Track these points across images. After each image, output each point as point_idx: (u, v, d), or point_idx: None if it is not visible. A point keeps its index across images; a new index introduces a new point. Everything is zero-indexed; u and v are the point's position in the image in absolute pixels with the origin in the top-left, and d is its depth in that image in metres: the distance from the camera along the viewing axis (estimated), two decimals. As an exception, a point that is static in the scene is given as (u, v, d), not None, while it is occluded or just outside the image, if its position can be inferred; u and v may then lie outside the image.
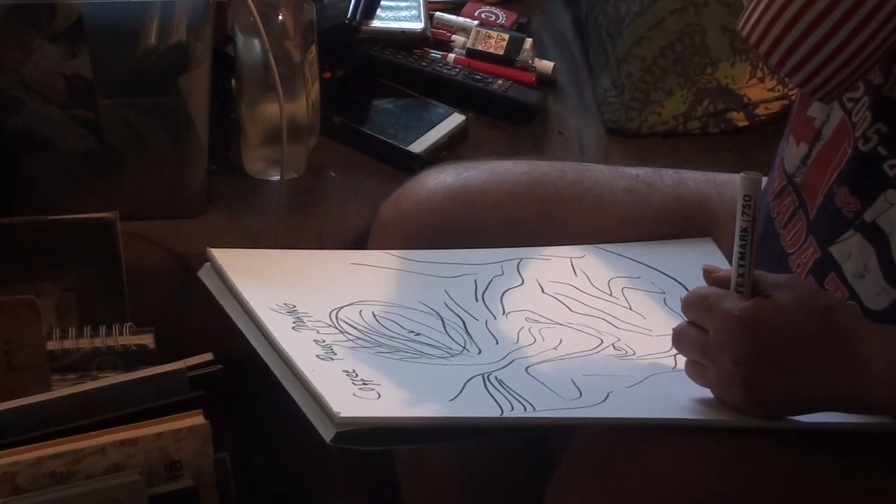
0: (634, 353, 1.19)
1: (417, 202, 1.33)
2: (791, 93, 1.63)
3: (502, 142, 1.62)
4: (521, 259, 1.30)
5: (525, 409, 1.07)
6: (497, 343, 1.19)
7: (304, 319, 1.16)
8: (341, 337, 1.15)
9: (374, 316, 1.20)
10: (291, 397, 1.07)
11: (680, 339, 1.09)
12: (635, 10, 1.64)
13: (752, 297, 1.06)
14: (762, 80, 1.64)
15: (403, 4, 1.70)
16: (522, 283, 1.27)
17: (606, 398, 1.10)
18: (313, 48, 1.53)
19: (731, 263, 1.08)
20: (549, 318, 1.23)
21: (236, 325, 1.16)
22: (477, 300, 1.24)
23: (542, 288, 1.27)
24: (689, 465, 1.04)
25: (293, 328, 1.15)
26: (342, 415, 1.02)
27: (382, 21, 1.67)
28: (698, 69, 1.62)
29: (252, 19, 1.43)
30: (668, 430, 1.07)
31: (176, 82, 1.42)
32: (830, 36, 1.01)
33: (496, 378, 1.11)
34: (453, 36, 1.71)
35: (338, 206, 1.52)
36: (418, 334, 1.18)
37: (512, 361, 1.15)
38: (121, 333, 1.34)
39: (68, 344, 1.33)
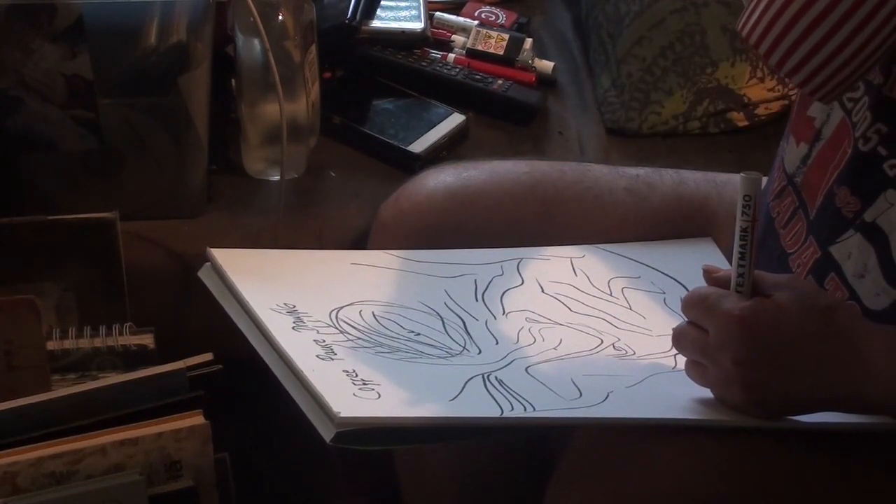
0: (634, 353, 1.19)
1: (417, 202, 1.33)
2: (791, 93, 1.63)
3: (502, 142, 1.62)
4: (521, 259, 1.30)
5: (525, 409, 1.07)
6: (497, 343, 1.19)
7: (304, 319, 1.16)
8: (341, 337, 1.15)
9: (374, 316, 1.20)
10: (291, 397, 1.07)
11: (680, 339, 1.09)
12: (635, 10, 1.64)
13: (752, 297, 1.06)
14: (762, 80, 1.64)
15: (403, 4, 1.70)
16: (522, 283, 1.27)
17: (606, 398, 1.10)
18: (313, 48, 1.53)
19: (731, 263, 1.08)
20: (549, 318, 1.23)
21: (236, 325, 1.16)
22: (477, 300, 1.24)
23: (542, 288, 1.27)
24: (689, 465, 1.04)
25: (293, 328, 1.15)
26: (342, 415, 1.02)
27: (382, 21, 1.67)
28: (698, 69, 1.62)
29: (252, 19, 1.43)
30: (668, 430, 1.07)
31: (176, 82, 1.42)
32: (830, 36, 1.01)
33: (496, 378, 1.11)
34: (453, 36, 1.71)
35: (338, 206, 1.52)
36: (418, 334, 1.18)
37: (512, 361, 1.15)
38: (121, 333, 1.34)
39: (68, 344, 1.33)
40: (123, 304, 1.40)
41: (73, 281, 1.40)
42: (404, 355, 1.15)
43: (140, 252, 1.45)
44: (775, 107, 1.65)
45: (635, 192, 1.34)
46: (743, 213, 1.06)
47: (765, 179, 1.21)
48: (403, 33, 1.67)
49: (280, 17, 1.46)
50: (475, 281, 1.27)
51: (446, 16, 1.74)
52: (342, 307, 1.20)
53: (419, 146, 1.57)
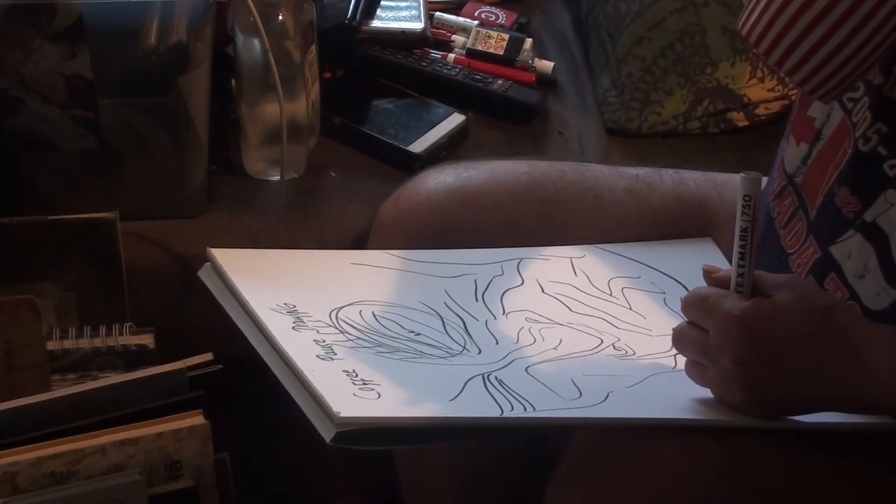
0: (634, 353, 1.19)
1: (417, 202, 1.33)
2: (791, 93, 1.63)
3: (502, 142, 1.62)
4: (521, 259, 1.30)
5: (525, 409, 1.07)
6: (497, 343, 1.19)
7: (304, 319, 1.16)
8: (341, 337, 1.15)
9: (374, 316, 1.20)
10: (291, 397, 1.07)
11: (680, 339, 1.09)
12: (635, 10, 1.64)
13: (752, 297, 1.06)
14: (762, 80, 1.64)
15: (403, 4, 1.70)
16: (522, 283, 1.27)
17: (606, 398, 1.10)
18: (313, 48, 1.53)
19: (731, 263, 1.08)
20: (549, 318, 1.23)
21: (236, 325, 1.16)
22: (477, 300, 1.24)
23: (542, 288, 1.27)
24: (689, 465, 1.04)
25: (293, 328, 1.15)
26: (342, 415, 1.02)
27: (382, 21, 1.67)
28: (698, 69, 1.62)
29: (252, 19, 1.43)
30: (668, 430, 1.07)
31: (176, 82, 1.42)
32: (830, 34, 1.01)
33: (496, 378, 1.11)
34: (453, 36, 1.71)
35: (338, 206, 1.52)
36: (418, 334, 1.18)
37: (512, 361, 1.15)
38: (121, 333, 1.34)
39: (68, 344, 1.33)
40: (123, 304, 1.40)
41: (73, 281, 1.40)
42: (404, 355, 1.15)
43: (140, 252, 1.45)
44: (775, 107, 1.65)
45: (635, 192, 1.34)
46: (743, 213, 1.06)
47: (765, 179, 1.21)
48: (403, 33, 1.67)
49: (280, 17, 1.46)
50: (475, 281, 1.27)
51: (446, 16, 1.74)
52: (342, 307, 1.20)
53: (419, 146, 1.57)
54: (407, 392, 1.08)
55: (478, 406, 1.08)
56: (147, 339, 1.34)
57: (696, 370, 1.09)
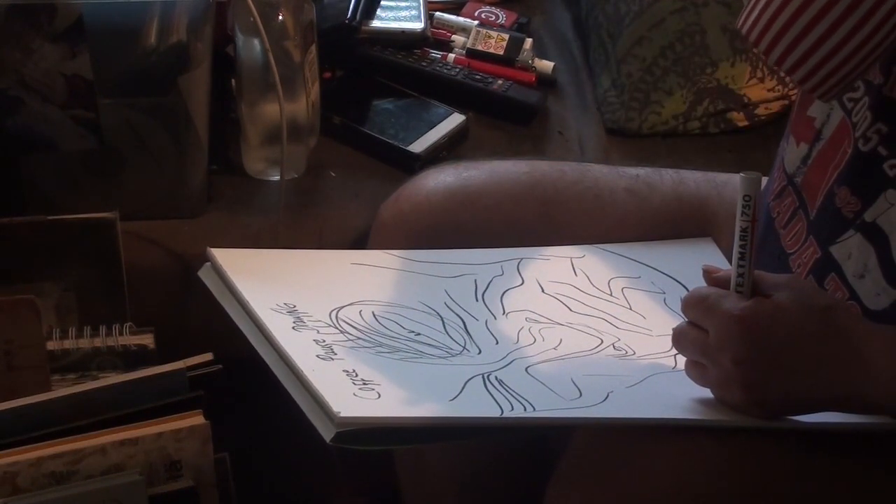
0: (634, 353, 1.19)
1: (417, 202, 1.33)
2: (791, 93, 1.63)
3: (502, 142, 1.62)
4: (521, 259, 1.30)
5: (525, 409, 1.07)
6: (497, 343, 1.19)
7: (305, 319, 1.16)
8: (341, 337, 1.15)
9: (374, 316, 1.20)
10: (291, 397, 1.07)
11: (680, 339, 1.10)
12: (635, 10, 1.64)
13: (751, 297, 1.06)
14: (762, 80, 1.64)
15: (403, 4, 1.70)
16: (522, 283, 1.27)
17: (606, 398, 1.10)
18: (313, 48, 1.53)
19: (731, 263, 1.08)
20: (549, 318, 1.23)
21: (236, 325, 1.16)
22: (477, 300, 1.24)
23: (542, 288, 1.27)
24: (689, 464, 1.04)
25: (293, 328, 1.15)
26: (342, 415, 1.02)
27: (382, 21, 1.67)
28: (698, 69, 1.62)
29: (252, 19, 1.43)
30: (668, 430, 1.07)
31: (176, 82, 1.42)
32: (830, 33, 1.01)
33: (496, 378, 1.11)
34: (453, 36, 1.71)
35: (338, 206, 1.52)
36: (418, 334, 1.18)
37: (512, 361, 1.15)
38: (121, 333, 1.34)
39: (68, 344, 1.33)
40: (123, 304, 1.40)
41: (73, 281, 1.40)
42: (404, 355, 1.15)
43: (140, 252, 1.45)
44: (775, 107, 1.65)
45: (635, 192, 1.34)
46: (743, 213, 1.06)
47: (765, 179, 1.21)
48: (403, 33, 1.67)
49: (280, 17, 1.46)
50: (475, 281, 1.27)
51: (446, 16, 1.74)
52: (342, 307, 1.20)
53: (419, 146, 1.57)
54: (407, 392, 1.08)
55: (478, 406, 1.08)
56: (147, 339, 1.34)
57: (696, 370, 1.09)
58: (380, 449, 1.25)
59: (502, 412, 1.06)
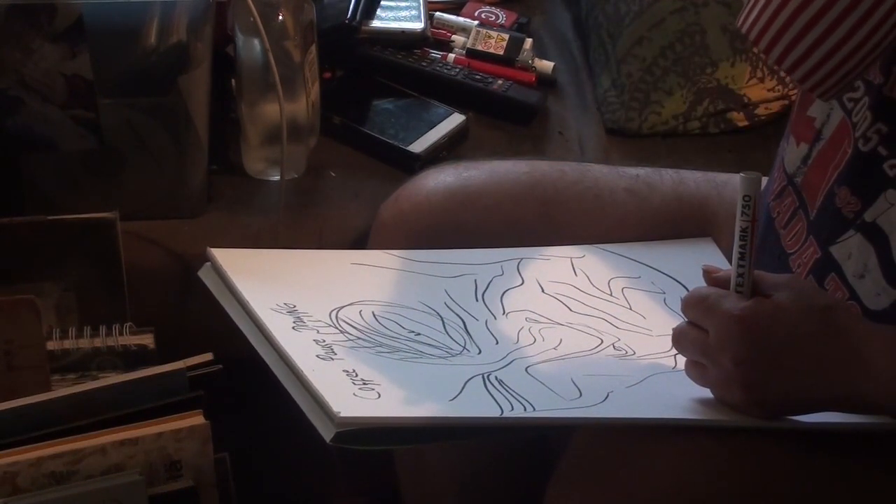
0: (634, 353, 1.19)
1: (417, 202, 1.33)
2: (791, 93, 1.63)
3: (502, 142, 1.62)
4: (521, 259, 1.30)
5: (525, 409, 1.07)
6: (497, 343, 1.19)
7: (304, 319, 1.16)
8: (341, 337, 1.15)
9: (374, 316, 1.20)
10: (291, 397, 1.07)
11: (680, 339, 1.09)
12: (635, 10, 1.64)
13: (751, 297, 1.06)
14: (762, 80, 1.64)
15: (403, 4, 1.70)
16: (522, 283, 1.27)
17: (606, 398, 1.10)
18: (313, 48, 1.53)
19: (731, 263, 1.08)
20: (550, 318, 1.23)
21: (236, 325, 1.16)
22: (477, 300, 1.24)
23: (542, 288, 1.27)
24: (689, 464, 1.04)
25: (293, 328, 1.15)
26: (342, 415, 1.02)
27: (382, 21, 1.67)
28: (698, 69, 1.62)
29: (252, 19, 1.43)
30: (668, 430, 1.07)
31: (176, 82, 1.42)
32: (830, 32, 1.01)
33: (496, 378, 1.11)
34: (453, 36, 1.71)
35: (338, 206, 1.52)
36: (418, 334, 1.18)
37: (512, 361, 1.15)
38: (121, 333, 1.34)
39: (68, 344, 1.33)
40: (123, 304, 1.40)
41: (73, 281, 1.40)
42: (404, 355, 1.15)
43: (140, 252, 1.45)
44: (775, 107, 1.65)
45: (635, 192, 1.34)
46: (743, 213, 1.06)
47: (765, 179, 1.21)
48: (403, 33, 1.67)
49: (280, 17, 1.46)
50: (475, 281, 1.27)
51: (446, 16, 1.74)
52: (342, 307, 1.20)
53: (419, 146, 1.57)
54: (407, 392, 1.08)
55: (478, 406, 1.08)
56: (147, 339, 1.34)
57: (696, 370, 1.09)
58: (380, 449, 1.25)
59: (502, 412, 1.06)
